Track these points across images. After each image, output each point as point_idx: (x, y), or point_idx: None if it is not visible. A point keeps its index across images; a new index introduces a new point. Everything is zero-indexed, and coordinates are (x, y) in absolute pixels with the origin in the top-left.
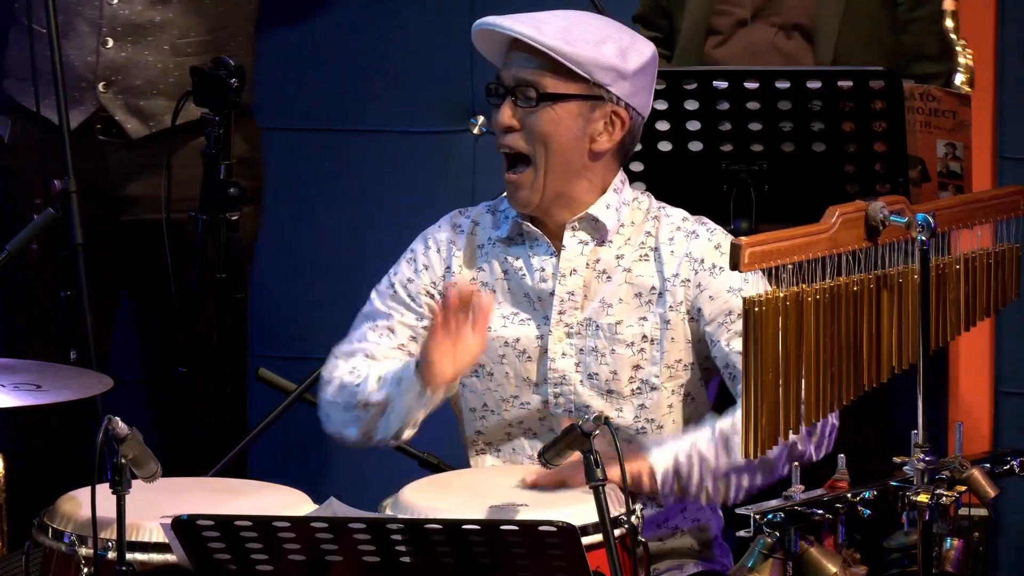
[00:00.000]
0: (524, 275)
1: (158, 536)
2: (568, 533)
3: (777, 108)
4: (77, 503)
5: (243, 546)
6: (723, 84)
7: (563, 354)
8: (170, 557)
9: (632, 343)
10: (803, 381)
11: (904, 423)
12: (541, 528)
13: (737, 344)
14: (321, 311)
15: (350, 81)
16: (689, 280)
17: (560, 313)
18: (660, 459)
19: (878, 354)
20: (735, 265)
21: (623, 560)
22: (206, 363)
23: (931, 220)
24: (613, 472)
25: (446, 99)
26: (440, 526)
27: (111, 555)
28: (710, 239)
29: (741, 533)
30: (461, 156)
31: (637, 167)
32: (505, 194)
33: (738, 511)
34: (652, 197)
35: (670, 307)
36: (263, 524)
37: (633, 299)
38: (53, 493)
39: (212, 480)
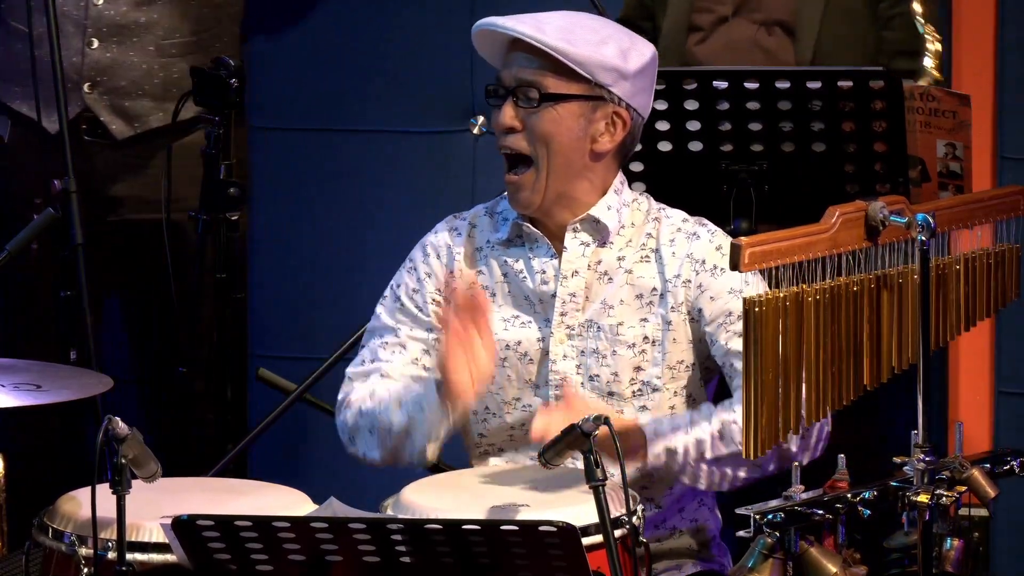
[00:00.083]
0: (524, 277)
1: (158, 536)
2: (568, 533)
3: (777, 108)
4: (77, 503)
5: (243, 546)
6: (723, 84)
7: (564, 356)
8: (170, 557)
9: (633, 344)
10: (803, 381)
11: (904, 423)
12: (541, 528)
13: (736, 343)
14: (321, 311)
15: (350, 81)
16: (690, 281)
17: (562, 315)
18: (655, 439)
19: (878, 354)
20: (735, 265)
21: (624, 561)
22: (206, 363)
23: (931, 220)
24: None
25: (446, 99)
26: (440, 526)
27: (111, 555)
28: (711, 240)
29: (741, 533)
30: (461, 156)
31: (637, 167)
32: (502, 195)
33: (738, 511)
34: (651, 198)
35: (671, 308)
36: (263, 524)
37: (634, 300)
38: (53, 493)
39: (212, 480)
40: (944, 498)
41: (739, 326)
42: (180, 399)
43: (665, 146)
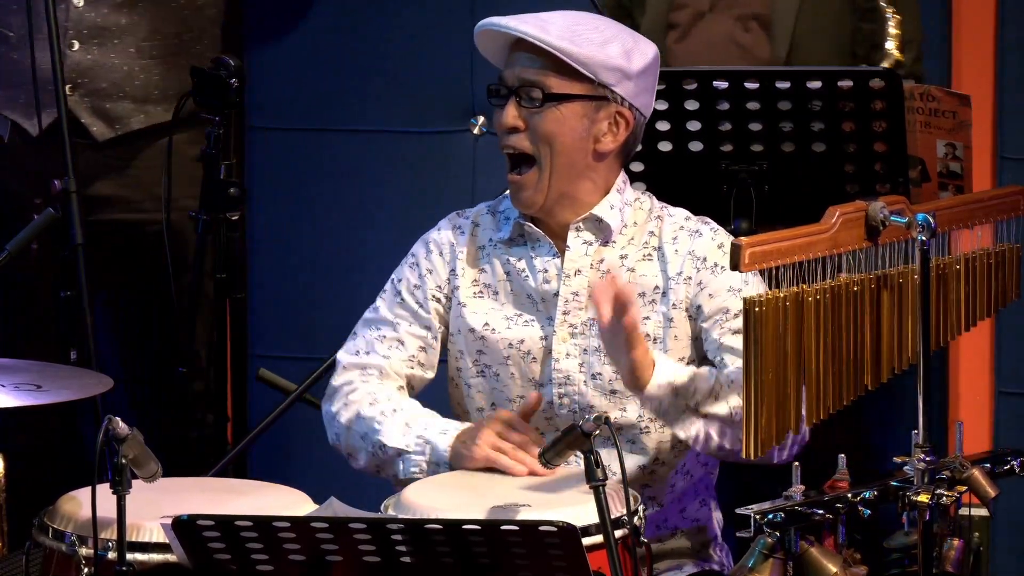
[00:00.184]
0: (527, 276)
1: (158, 536)
2: (568, 533)
3: (777, 108)
4: (77, 503)
5: (243, 546)
6: (723, 84)
7: (567, 354)
8: (170, 557)
9: None
10: (803, 381)
11: (904, 423)
12: (541, 528)
13: (729, 339)
14: (321, 311)
15: (350, 81)
16: (691, 278)
17: (564, 313)
18: (665, 364)
19: (878, 354)
20: (735, 265)
21: (624, 561)
22: (206, 363)
23: (931, 220)
24: None
25: (446, 99)
26: (440, 526)
27: (111, 555)
28: (713, 238)
29: (741, 533)
30: (461, 156)
31: (637, 167)
32: (504, 194)
33: (738, 511)
34: (653, 197)
35: (673, 305)
36: (263, 524)
37: (637, 299)
38: (53, 493)
39: (212, 480)
40: (944, 498)
41: (735, 323)
42: (180, 399)
43: (665, 146)
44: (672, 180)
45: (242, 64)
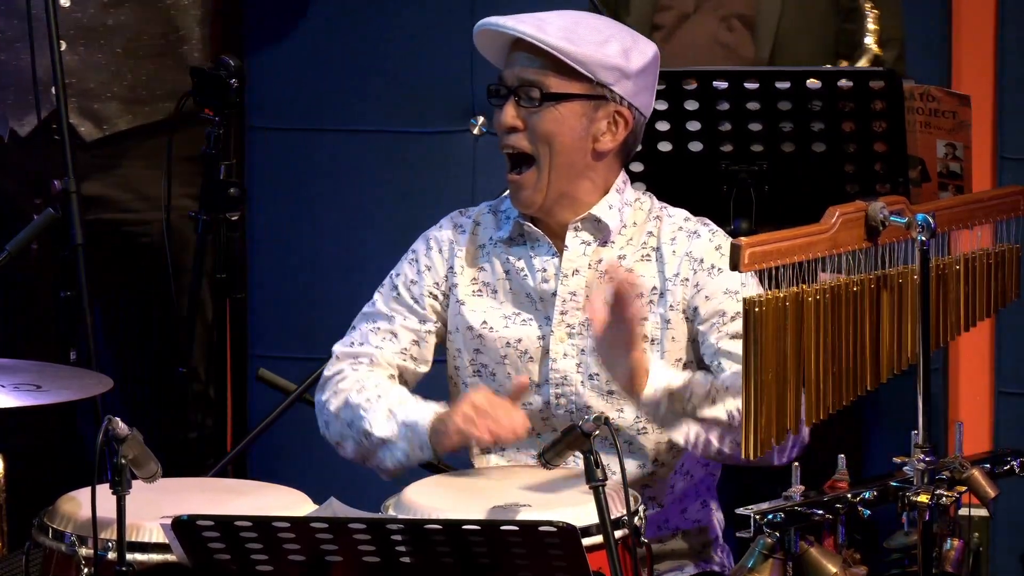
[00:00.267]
0: (526, 275)
1: (158, 536)
2: (568, 533)
3: (777, 108)
4: (77, 503)
5: (243, 546)
6: (723, 84)
7: (564, 355)
8: (170, 557)
9: None
10: (803, 381)
11: (904, 423)
12: (541, 528)
13: (726, 343)
14: (321, 311)
15: (350, 81)
16: (688, 279)
17: (562, 313)
18: (661, 369)
19: (878, 354)
20: (735, 265)
21: (624, 561)
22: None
23: (931, 220)
24: None
25: (446, 99)
26: (440, 526)
27: (111, 555)
28: (711, 240)
29: (741, 534)
30: (461, 156)
31: (637, 167)
32: (506, 194)
33: (738, 511)
34: (654, 198)
35: (670, 306)
36: (263, 524)
37: (639, 292)
38: (53, 493)
39: (212, 480)
40: (944, 498)
41: (732, 327)
42: (180, 399)
43: (665, 146)
44: (672, 180)
45: (242, 64)
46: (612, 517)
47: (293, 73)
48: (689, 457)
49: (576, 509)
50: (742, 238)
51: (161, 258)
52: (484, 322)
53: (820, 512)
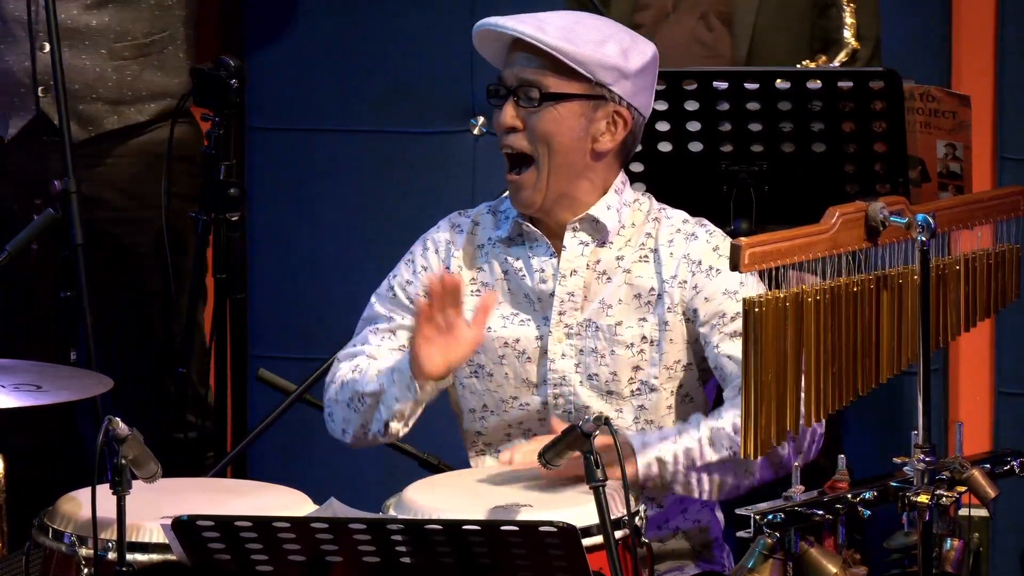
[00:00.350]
0: (524, 275)
1: (158, 536)
2: (568, 534)
3: (777, 108)
4: (77, 503)
5: (243, 546)
6: (723, 85)
7: (563, 355)
8: (170, 557)
9: (632, 344)
10: (803, 381)
11: (904, 423)
12: (541, 528)
13: (727, 347)
14: (321, 311)
15: (350, 81)
16: (686, 281)
17: (560, 314)
18: (641, 444)
19: (878, 355)
20: (735, 266)
21: (625, 561)
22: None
23: (931, 220)
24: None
25: (446, 99)
26: (440, 526)
27: (111, 555)
28: (708, 241)
29: (741, 534)
30: (461, 156)
31: (637, 167)
32: (506, 194)
33: (738, 511)
34: (653, 198)
35: (668, 308)
36: (263, 524)
37: (632, 300)
38: (53, 493)
39: (212, 480)
40: (944, 498)
41: (732, 328)
42: (180, 399)
43: (665, 146)
44: (672, 180)
45: (242, 64)
46: (612, 517)
47: (293, 73)
48: None
49: (576, 509)
50: (742, 238)
51: (156, 258)
52: None
53: (820, 512)
